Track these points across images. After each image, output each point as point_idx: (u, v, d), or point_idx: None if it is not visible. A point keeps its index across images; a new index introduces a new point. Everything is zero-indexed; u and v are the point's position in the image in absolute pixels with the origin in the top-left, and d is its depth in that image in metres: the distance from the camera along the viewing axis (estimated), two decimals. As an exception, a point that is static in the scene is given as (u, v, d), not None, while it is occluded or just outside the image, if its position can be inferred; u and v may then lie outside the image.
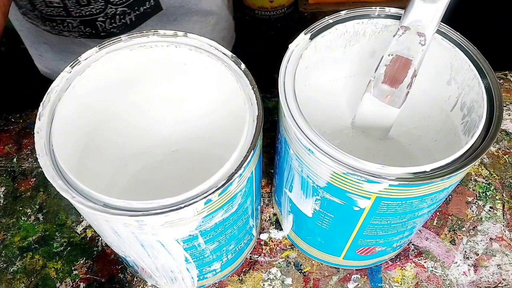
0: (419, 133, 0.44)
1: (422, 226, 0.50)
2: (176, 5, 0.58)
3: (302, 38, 0.38)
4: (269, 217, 0.51)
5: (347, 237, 0.41)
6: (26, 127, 0.58)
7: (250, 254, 0.49)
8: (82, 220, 0.51)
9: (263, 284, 0.47)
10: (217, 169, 0.31)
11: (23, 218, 0.51)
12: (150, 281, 0.46)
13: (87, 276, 0.48)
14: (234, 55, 0.37)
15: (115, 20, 0.54)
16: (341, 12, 0.39)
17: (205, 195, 0.30)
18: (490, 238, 0.50)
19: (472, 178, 0.54)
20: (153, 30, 0.38)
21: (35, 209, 0.52)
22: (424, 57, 0.37)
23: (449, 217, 0.51)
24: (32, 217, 0.51)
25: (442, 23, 0.37)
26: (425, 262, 0.48)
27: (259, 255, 0.49)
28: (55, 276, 0.48)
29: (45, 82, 0.37)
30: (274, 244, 0.50)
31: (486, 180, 0.54)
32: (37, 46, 0.63)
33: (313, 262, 0.48)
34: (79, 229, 0.50)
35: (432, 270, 0.48)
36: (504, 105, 0.59)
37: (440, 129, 0.42)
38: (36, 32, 0.59)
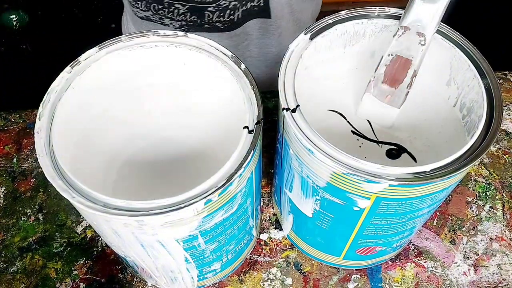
0: (420, 132, 0.44)
1: (422, 226, 0.50)
2: (282, 17, 0.58)
3: (302, 38, 0.38)
4: (269, 217, 0.51)
5: (347, 237, 0.41)
6: (26, 127, 0.58)
7: (250, 254, 0.49)
8: (82, 220, 0.51)
9: (263, 284, 0.47)
10: (217, 169, 0.31)
11: (23, 218, 0.51)
12: (150, 281, 0.46)
13: (87, 276, 0.48)
14: (234, 55, 0.37)
15: (224, 14, 0.54)
16: (341, 12, 0.39)
17: (205, 195, 0.30)
18: (490, 238, 0.50)
19: (472, 178, 0.54)
20: (153, 30, 0.38)
21: (35, 209, 0.52)
22: (424, 57, 0.37)
23: (449, 217, 0.51)
24: (32, 218, 0.51)
25: (442, 23, 0.37)
26: (425, 262, 0.48)
27: (259, 255, 0.49)
28: (55, 276, 0.48)
29: (45, 82, 0.37)
30: (274, 244, 0.50)
31: (486, 180, 0.54)
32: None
33: (313, 262, 0.48)
34: (79, 229, 0.50)
35: (432, 270, 0.48)
36: (504, 105, 0.59)
37: (442, 128, 0.43)
38: (133, 20, 0.60)
